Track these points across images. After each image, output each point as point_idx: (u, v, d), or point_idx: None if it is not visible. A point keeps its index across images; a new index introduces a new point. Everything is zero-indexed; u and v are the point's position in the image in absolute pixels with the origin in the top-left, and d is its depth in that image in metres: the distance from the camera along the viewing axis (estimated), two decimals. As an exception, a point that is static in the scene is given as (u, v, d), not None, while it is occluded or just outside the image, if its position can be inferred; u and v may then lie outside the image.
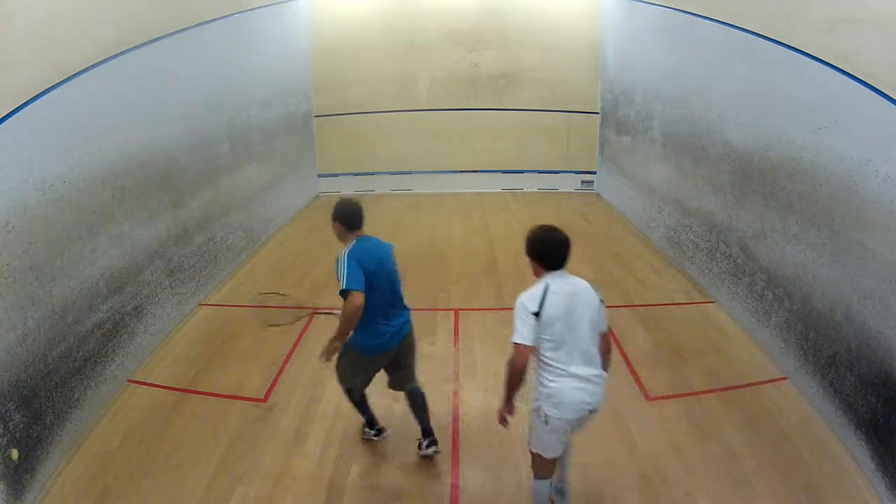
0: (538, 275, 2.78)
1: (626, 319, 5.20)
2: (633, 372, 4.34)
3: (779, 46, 4.26)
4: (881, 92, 3.19)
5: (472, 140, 10.16)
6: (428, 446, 3.42)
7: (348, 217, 3.13)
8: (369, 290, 2.98)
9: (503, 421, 2.83)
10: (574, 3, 9.63)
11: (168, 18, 4.97)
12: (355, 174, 10.21)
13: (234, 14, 6.51)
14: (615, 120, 9.16)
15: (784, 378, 4.19)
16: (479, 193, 10.01)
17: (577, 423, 2.72)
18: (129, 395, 4.14)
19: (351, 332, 3.08)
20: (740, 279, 5.01)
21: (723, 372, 4.33)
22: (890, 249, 3.14)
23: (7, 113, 3.09)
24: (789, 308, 4.21)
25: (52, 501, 3.17)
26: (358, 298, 2.92)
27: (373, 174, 10.23)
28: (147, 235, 4.66)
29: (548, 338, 2.61)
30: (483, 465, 3.42)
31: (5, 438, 2.97)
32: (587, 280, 2.78)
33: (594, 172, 10.21)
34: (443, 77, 9.93)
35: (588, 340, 2.62)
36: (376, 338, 3.17)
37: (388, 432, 3.64)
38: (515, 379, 2.64)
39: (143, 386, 4.24)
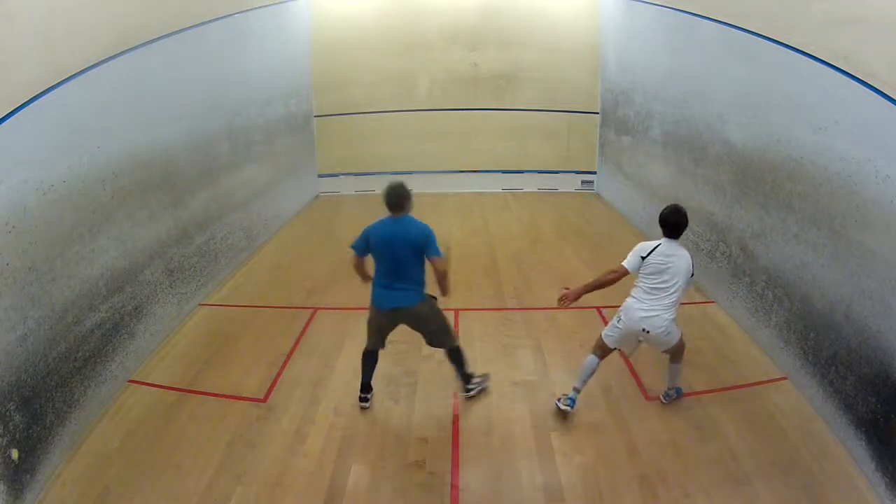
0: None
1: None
2: (633, 372, 4.34)
3: (779, 46, 4.26)
4: (881, 92, 3.19)
5: (472, 140, 10.16)
6: (466, 391, 4.02)
7: (384, 199, 3.69)
8: (374, 257, 3.70)
9: (565, 299, 3.69)
10: (574, 3, 9.63)
11: (168, 18, 4.97)
12: (355, 174, 10.21)
13: (234, 14, 6.51)
14: (615, 120, 9.16)
15: (784, 378, 4.19)
16: (479, 193, 10.02)
17: (635, 337, 3.69)
18: (129, 395, 4.14)
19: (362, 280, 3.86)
20: (740, 279, 5.01)
21: (723, 372, 4.33)
22: (890, 249, 3.14)
23: (7, 113, 3.09)
24: (789, 308, 4.21)
25: (52, 501, 3.17)
26: (353, 258, 3.76)
27: (373, 174, 10.22)
28: (147, 235, 4.66)
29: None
30: (483, 465, 3.42)
31: (5, 438, 2.97)
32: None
33: (594, 172, 10.21)
34: (443, 77, 9.93)
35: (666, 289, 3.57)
36: (374, 294, 3.80)
37: (369, 404, 3.96)
38: (603, 285, 3.67)
39: (143, 386, 4.24)
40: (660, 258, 3.60)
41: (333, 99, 9.92)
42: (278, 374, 4.38)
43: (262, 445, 3.59)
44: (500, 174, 10.24)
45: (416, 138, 10.07)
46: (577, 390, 3.81)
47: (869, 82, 3.29)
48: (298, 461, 3.46)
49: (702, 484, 3.20)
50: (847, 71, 3.49)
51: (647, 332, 3.58)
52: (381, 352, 4.01)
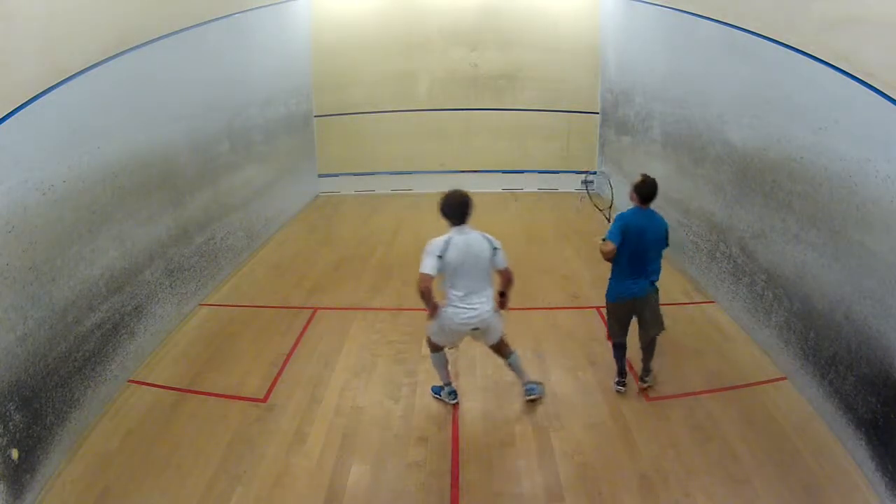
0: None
1: (626, 319, 5.19)
2: (633, 372, 4.33)
3: (779, 46, 4.26)
4: (881, 92, 3.19)
5: (472, 140, 10.15)
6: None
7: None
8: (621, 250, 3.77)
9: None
10: (574, 3, 9.63)
11: (168, 18, 4.97)
12: (355, 174, 10.21)
13: (234, 14, 6.51)
14: (615, 120, 9.16)
15: (784, 378, 4.19)
16: (479, 193, 9.98)
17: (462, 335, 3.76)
18: (129, 395, 4.14)
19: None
20: (740, 279, 5.01)
21: (723, 372, 4.33)
22: (890, 249, 3.14)
23: (7, 113, 3.09)
24: (789, 308, 4.21)
25: (52, 501, 3.17)
26: (610, 249, 3.76)
27: (373, 174, 10.23)
28: (147, 235, 4.66)
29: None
30: (483, 465, 3.42)
31: (5, 438, 2.97)
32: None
33: (594, 172, 10.20)
34: (443, 77, 9.92)
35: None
36: (620, 287, 3.90)
37: (625, 388, 4.06)
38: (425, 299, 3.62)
39: (143, 386, 4.24)
40: (455, 252, 3.55)
41: (333, 99, 9.91)
42: (278, 374, 4.38)
43: (262, 445, 3.59)
44: (499, 174, 10.23)
45: (416, 138, 10.07)
46: (448, 384, 4.00)
47: (869, 82, 3.29)
48: (298, 461, 3.46)
49: (702, 484, 3.20)
50: (847, 71, 3.49)
51: (478, 329, 3.68)
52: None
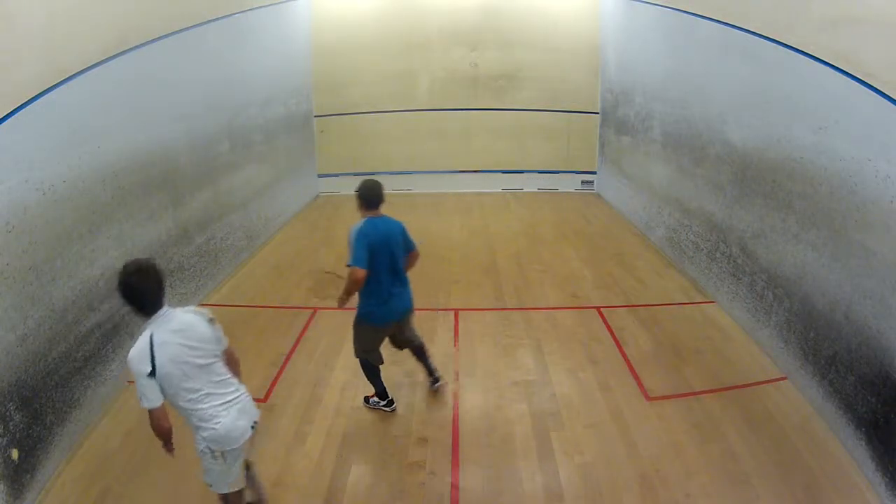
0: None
1: (626, 319, 5.20)
2: (633, 372, 4.34)
3: (779, 46, 4.26)
4: (881, 92, 3.19)
5: (472, 140, 10.15)
6: (434, 384, 4.05)
7: (367, 196, 3.52)
8: (372, 264, 3.42)
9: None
10: (574, 3, 9.63)
11: (168, 19, 4.97)
12: (355, 174, 10.13)
13: (234, 14, 6.51)
14: (615, 120, 9.16)
15: (784, 378, 4.19)
16: (479, 193, 10.02)
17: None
18: (129, 395, 4.13)
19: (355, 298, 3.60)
20: (740, 279, 5.01)
21: (723, 372, 4.33)
22: (890, 249, 3.14)
23: (7, 113, 3.09)
24: (789, 308, 4.21)
25: (52, 501, 3.17)
26: (359, 276, 3.39)
27: (373, 174, 10.17)
28: (147, 235, 4.66)
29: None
30: (483, 465, 3.42)
31: (5, 438, 2.97)
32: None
33: (594, 172, 10.21)
34: (443, 77, 9.92)
35: None
36: (380, 309, 3.64)
37: (396, 405, 3.93)
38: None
39: (143, 386, 4.24)
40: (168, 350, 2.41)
41: (333, 99, 9.92)
42: (278, 374, 4.38)
43: (262, 445, 3.58)
44: (499, 174, 10.24)
45: (416, 138, 10.07)
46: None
47: (869, 82, 3.29)
48: (298, 461, 3.46)
49: (702, 484, 3.20)
50: (847, 71, 3.49)
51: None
52: (381, 351, 4.03)
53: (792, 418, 3.75)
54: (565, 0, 9.62)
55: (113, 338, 4.12)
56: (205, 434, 2.55)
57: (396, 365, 4.44)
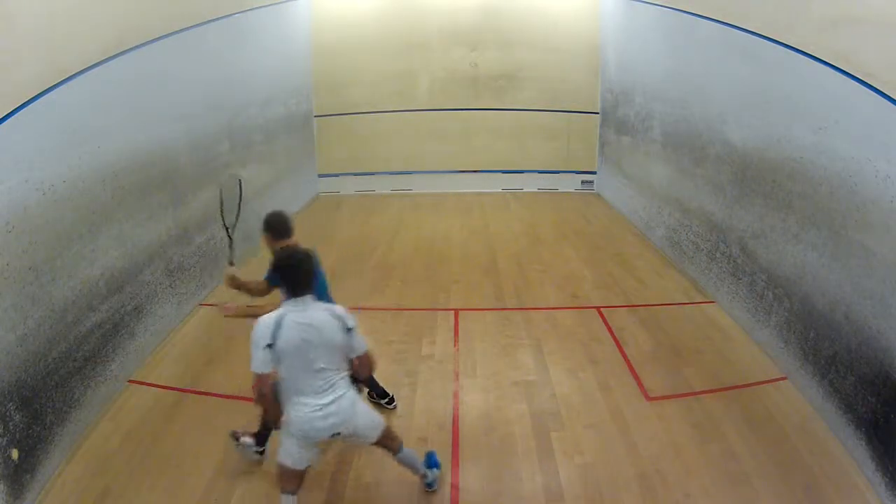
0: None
1: (626, 319, 5.20)
2: (633, 372, 4.34)
3: (779, 46, 4.26)
4: (881, 92, 3.19)
5: (472, 140, 10.16)
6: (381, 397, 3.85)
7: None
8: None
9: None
10: (574, 3, 9.63)
11: (168, 18, 4.97)
12: (355, 174, 10.22)
13: (234, 14, 6.51)
14: (615, 120, 9.16)
15: (784, 378, 4.19)
16: (479, 193, 10.02)
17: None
18: (129, 395, 4.14)
19: None
20: (740, 279, 5.01)
21: (723, 372, 4.33)
22: (890, 249, 3.14)
23: (7, 113, 3.09)
24: (789, 308, 4.21)
25: (52, 501, 3.17)
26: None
27: (373, 174, 10.24)
28: (147, 235, 4.66)
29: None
30: (483, 465, 3.42)
31: (5, 438, 2.97)
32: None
33: (594, 172, 10.22)
34: (443, 77, 9.93)
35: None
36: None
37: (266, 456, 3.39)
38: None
39: (143, 386, 4.24)
40: (289, 336, 2.55)
41: (333, 99, 9.92)
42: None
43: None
44: (499, 174, 10.24)
45: (416, 138, 10.08)
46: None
47: (869, 82, 3.29)
48: (298, 461, 3.46)
49: (702, 484, 3.20)
50: (847, 71, 3.49)
51: (340, 433, 2.72)
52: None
53: (792, 418, 3.75)
54: (565, 0, 9.62)
55: (113, 338, 4.12)
56: (288, 411, 2.69)
57: (397, 364, 4.44)
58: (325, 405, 2.63)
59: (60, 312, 3.53)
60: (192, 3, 5.51)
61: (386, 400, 3.92)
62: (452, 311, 5.42)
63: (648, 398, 4.02)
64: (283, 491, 2.83)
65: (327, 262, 6.57)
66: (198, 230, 5.63)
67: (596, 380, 4.24)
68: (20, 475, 3.05)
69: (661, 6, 6.82)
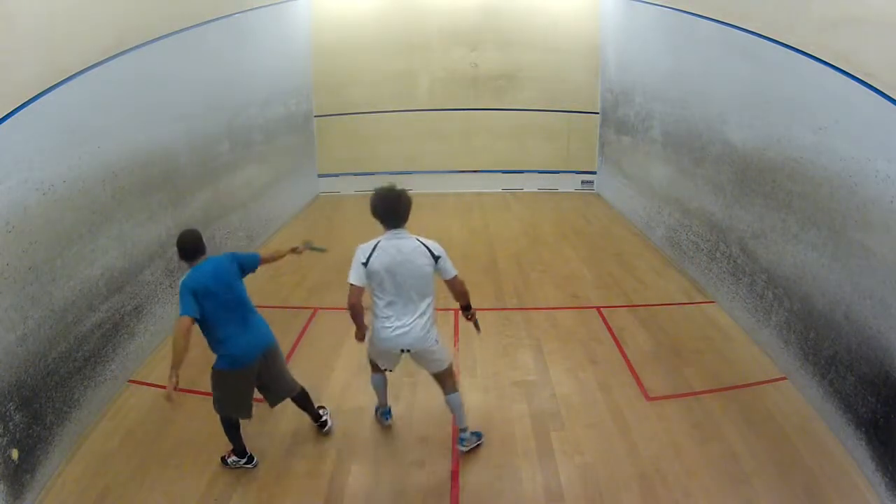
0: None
1: (626, 319, 5.20)
2: (633, 372, 4.34)
3: (779, 46, 4.26)
4: (881, 92, 3.19)
5: (472, 140, 10.16)
6: (321, 427, 3.69)
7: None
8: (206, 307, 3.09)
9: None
10: (574, 3, 9.63)
11: (168, 18, 4.97)
12: (355, 174, 10.21)
13: (234, 14, 6.51)
14: (615, 120, 9.16)
15: (784, 378, 4.19)
16: (479, 193, 10.02)
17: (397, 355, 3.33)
18: (129, 395, 4.14)
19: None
20: (740, 279, 5.01)
21: (723, 372, 4.33)
22: (890, 249, 3.14)
23: (7, 113, 3.09)
24: (789, 308, 4.21)
25: (52, 501, 3.17)
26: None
27: (373, 174, 10.21)
28: (147, 235, 4.66)
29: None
30: (483, 465, 3.42)
31: (5, 438, 2.97)
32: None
33: (594, 172, 10.22)
34: (443, 77, 9.93)
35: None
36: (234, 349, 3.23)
37: (256, 460, 3.44)
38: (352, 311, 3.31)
39: (143, 386, 4.24)
40: (382, 259, 3.04)
41: (333, 99, 9.92)
42: (278, 374, 4.37)
43: (262, 445, 3.58)
44: (499, 174, 10.24)
45: (416, 138, 10.08)
46: (383, 405, 3.74)
47: (869, 82, 3.29)
48: (298, 461, 3.46)
49: (702, 484, 3.20)
50: (847, 71, 3.49)
51: (409, 350, 3.20)
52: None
53: (792, 418, 3.75)
54: (565, 0, 9.62)
55: (113, 338, 4.12)
56: (373, 324, 3.20)
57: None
58: (401, 325, 3.12)
59: (60, 312, 3.53)
60: (192, 3, 5.51)
61: (319, 423, 3.69)
62: (452, 311, 5.41)
63: (648, 398, 4.02)
64: (374, 372, 3.59)
65: (328, 262, 6.61)
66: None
67: (596, 380, 4.24)
68: (20, 475, 3.05)
69: (661, 6, 6.81)
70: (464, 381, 4.25)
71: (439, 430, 3.72)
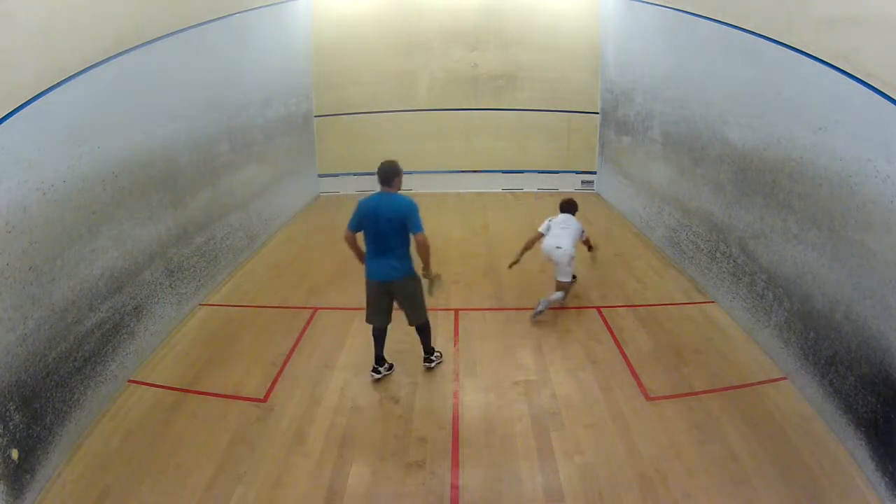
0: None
1: (626, 319, 5.20)
2: (632, 372, 4.34)
3: (779, 46, 4.26)
4: (881, 92, 3.19)
5: (472, 140, 10.16)
6: (427, 360, 4.41)
7: (377, 174, 4.08)
8: (364, 231, 4.03)
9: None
10: (574, 3, 9.63)
11: (168, 18, 4.97)
12: (355, 174, 10.20)
13: (233, 14, 6.51)
14: (615, 120, 9.16)
15: (784, 378, 4.19)
16: (479, 193, 10.02)
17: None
18: (129, 395, 4.14)
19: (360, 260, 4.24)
20: (740, 279, 5.01)
21: (723, 372, 4.33)
22: (890, 249, 3.14)
23: (7, 113, 3.09)
24: (789, 308, 4.21)
25: (52, 501, 3.17)
26: (345, 232, 4.10)
27: (373, 174, 10.17)
28: (147, 235, 4.66)
29: None
30: (483, 465, 3.42)
31: (5, 438, 2.97)
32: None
33: (594, 172, 10.22)
34: (443, 77, 9.93)
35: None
36: (367, 266, 4.14)
37: (394, 369, 4.36)
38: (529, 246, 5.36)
39: (143, 386, 4.24)
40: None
41: (333, 99, 9.92)
42: (278, 374, 4.38)
43: (262, 445, 3.58)
44: (500, 174, 10.24)
45: (416, 138, 10.07)
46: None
47: (869, 82, 3.29)
48: (298, 461, 3.46)
49: (702, 484, 3.20)
50: (847, 71, 3.49)
51: (560, 247, 5.08)
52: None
53: (792, 418, 3.75)
54: (565, 0, 9.62)
55: (113, 338, 4.12)
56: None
57: (397, 364, 4.44)
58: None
59: (60, 312, 3.53)
60: (192, 3, 5.51)
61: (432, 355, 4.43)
62: (452, 311, 5.42)
63: (648, 398, 4.02)
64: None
65: (328, 262, 6.61)
66: (198, 230, 5.63)
67: (596, 380, 4.24)
68: (20, 475, 3.05)
69: (661, 6, 6.82)
70: (464, 382, 4.26)
71: (439, 431, 3.72)
